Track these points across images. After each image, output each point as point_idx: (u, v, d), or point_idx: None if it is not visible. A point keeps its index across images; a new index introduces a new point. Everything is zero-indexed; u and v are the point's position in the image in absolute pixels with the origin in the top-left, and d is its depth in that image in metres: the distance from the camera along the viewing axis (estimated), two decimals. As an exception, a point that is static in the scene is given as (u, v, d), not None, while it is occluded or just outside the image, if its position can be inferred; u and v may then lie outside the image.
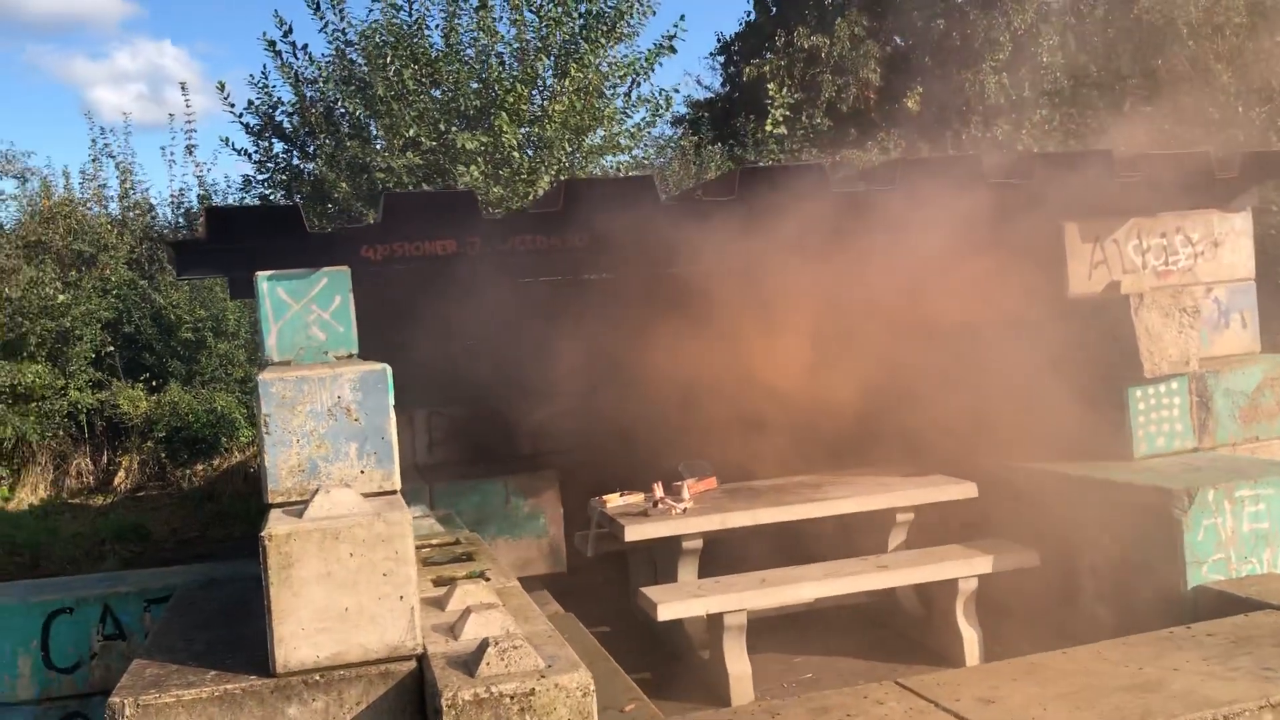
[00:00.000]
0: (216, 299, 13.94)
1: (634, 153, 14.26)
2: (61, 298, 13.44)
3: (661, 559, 6.56)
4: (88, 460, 13.74)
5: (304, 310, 5.24)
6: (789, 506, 6.29)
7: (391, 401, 4.10)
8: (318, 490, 3.80)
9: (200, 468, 13.49)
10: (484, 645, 3.43)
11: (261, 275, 5.20)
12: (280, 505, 3.89)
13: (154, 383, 14.31)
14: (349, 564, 3.58)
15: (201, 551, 10.30)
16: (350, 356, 5.12)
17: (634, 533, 6.10)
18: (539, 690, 3.27)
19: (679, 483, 6.86)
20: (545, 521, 8.11)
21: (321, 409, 3.99)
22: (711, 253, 6.73)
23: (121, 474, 13.67)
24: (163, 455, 13.63)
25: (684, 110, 19.77)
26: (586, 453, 8.84)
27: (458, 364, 8.46)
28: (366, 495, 3.93)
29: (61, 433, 13.56)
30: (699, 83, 21.49)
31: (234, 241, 5.87)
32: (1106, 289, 6.73)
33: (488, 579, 4.64)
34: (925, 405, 7.25)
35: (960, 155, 6.46)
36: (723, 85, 20.57)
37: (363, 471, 4.01)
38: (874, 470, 7.16)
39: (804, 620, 6.71)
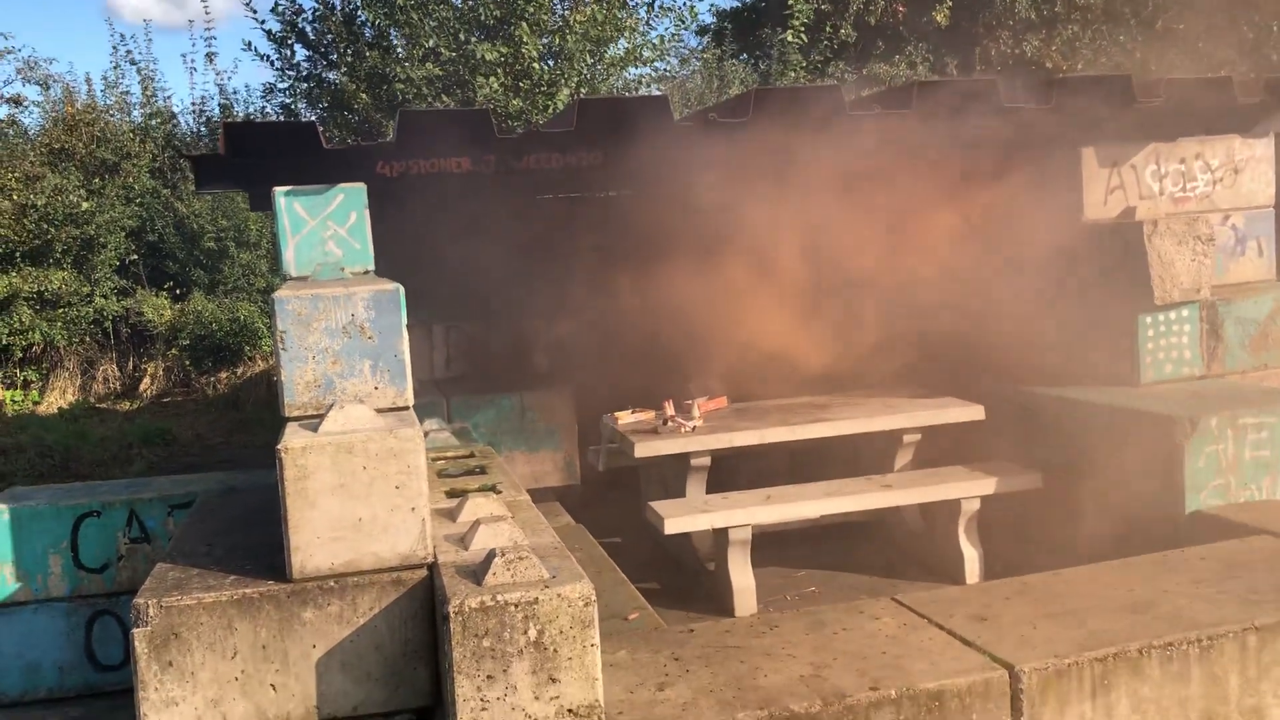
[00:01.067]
0: (239, 209, 14.04)
1: (657, 65, 14.11)
2: (86, 205, 13.56)
3: (671, 475, 6.71)
4: (114, 366, 14.01)
5: (320, 226, 5.31)
6: (795, 426, 6.40)
7: (404, 320, 4.20)
8: (332, 406, 3.93)
9: (224, 375, 13.74)
10: (491, 555, 3.57)
11: (279, 191, 5.25)
12: (297, 419, 4.01)
13: (178, 291, 14.50)
14: (362, 476, 3.72)
15: (225, 457, 10.55)
16: (366, 273, 5.21)
17: (643, 449, 6.23)
18: (542, 599, 3.42)
19: (689, 401, 6.98)
20: (560, 436, 8.26)
21: (336, 327, 4.09)
22: (726, 175, 6.76)
23: (147, 380, 13.95)
24: (187, 363, 13.87)
25: (710, 19, 19.45)
26: (601, 370, 8.93)
27: (476, 281, 8.55)
28: (380, 411, 4.05)
29: (88, 339, 13.81)
30: (725, -9, 21.10)
31: (252, 157, 5.94)
32: (1121, 215, 6.72)
33: (499, 492, 4.79)
34: (935, 329, 7.32)
35: (977, 79, 6.40)
36: (749, -6, 20.20)
37: (376, 388, 4.12)
38: (882, 392, 7.24)
39: (808, 535, 6.86)
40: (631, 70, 13.72)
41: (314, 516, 3.70)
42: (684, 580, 6.52)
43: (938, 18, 16.12)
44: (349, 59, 12.82)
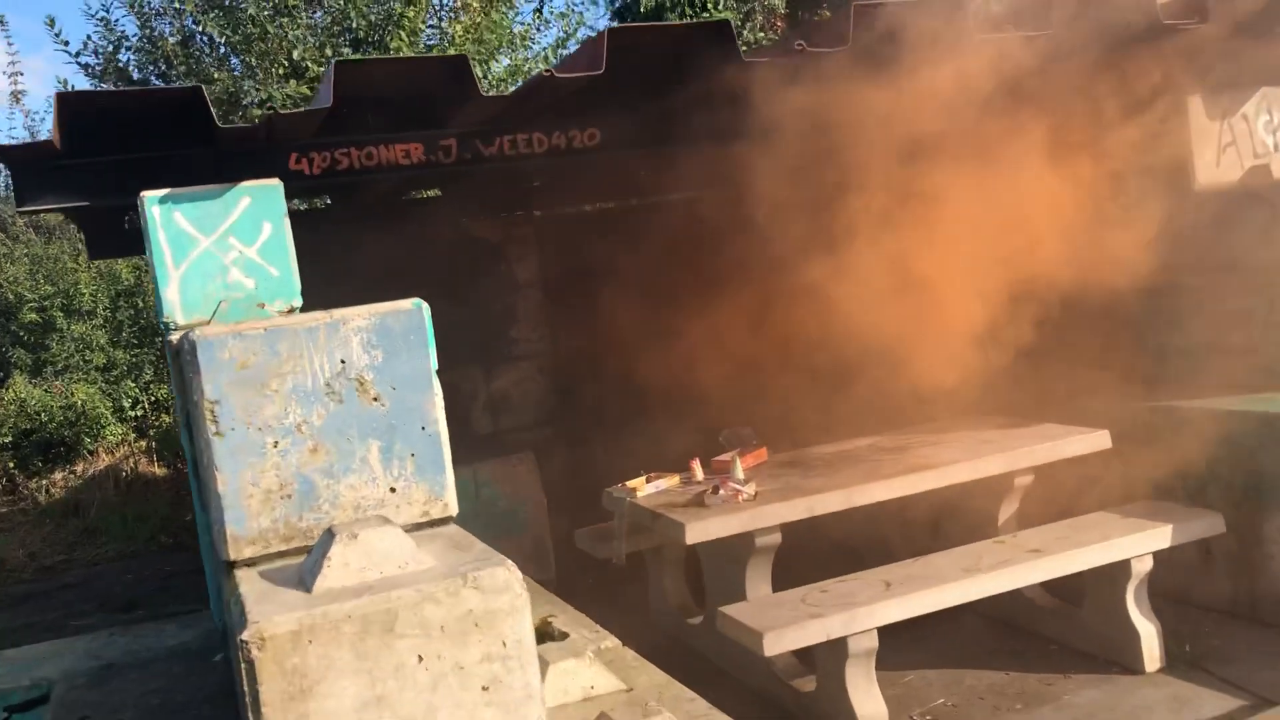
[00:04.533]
0: (66, 270, 11.62)
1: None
2: None
3: (716, 561, 4.97)
4: (-88, 476, 11.35)
5: (218, 246, 3.52)
6: (891, 480, 4.74)
7: (433, 365, 2.38)
8: (329, 534, 2.06)
9: (59, 476, 11.24)
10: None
11: (150, 197, 3.48)
12: (254, 563, 2.13)
13: (-7, 376, 11.94)
14: (418, 674, 1.87)
15: (71, 583, 8.25)
16: (293, 311, 3.38)
17: (698, 531, 4.46)
18: None
19: (724, 457, 5.27)
20: (525, 516, 6.43)
21: (314, 384, 2.25)
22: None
23: (-43, 490, 11.33)
24: (10, 464, 11.32)
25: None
26: (564, 422, 7.21)
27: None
28: (411, 529, 2.21)
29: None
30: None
31: (102, 149, 4.00)
32: (1248, 175, 5.36)
33: (566, 636, 2.95)
34: (1005, 335, 5.79)
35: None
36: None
37: (394, 489, 2.28)
38: (956, 424, 5.67)
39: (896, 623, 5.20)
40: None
41: (326, 769, 1.82)
42: (763, 709, 4.73)
43: None
44: (189, 85, 10.71)
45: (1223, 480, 4.90)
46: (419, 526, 2.27)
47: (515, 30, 11.54)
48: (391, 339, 2.30)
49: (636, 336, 6.52)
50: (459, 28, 10.97)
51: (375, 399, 2.27)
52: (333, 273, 6.19)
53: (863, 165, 4.65)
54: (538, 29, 11.92)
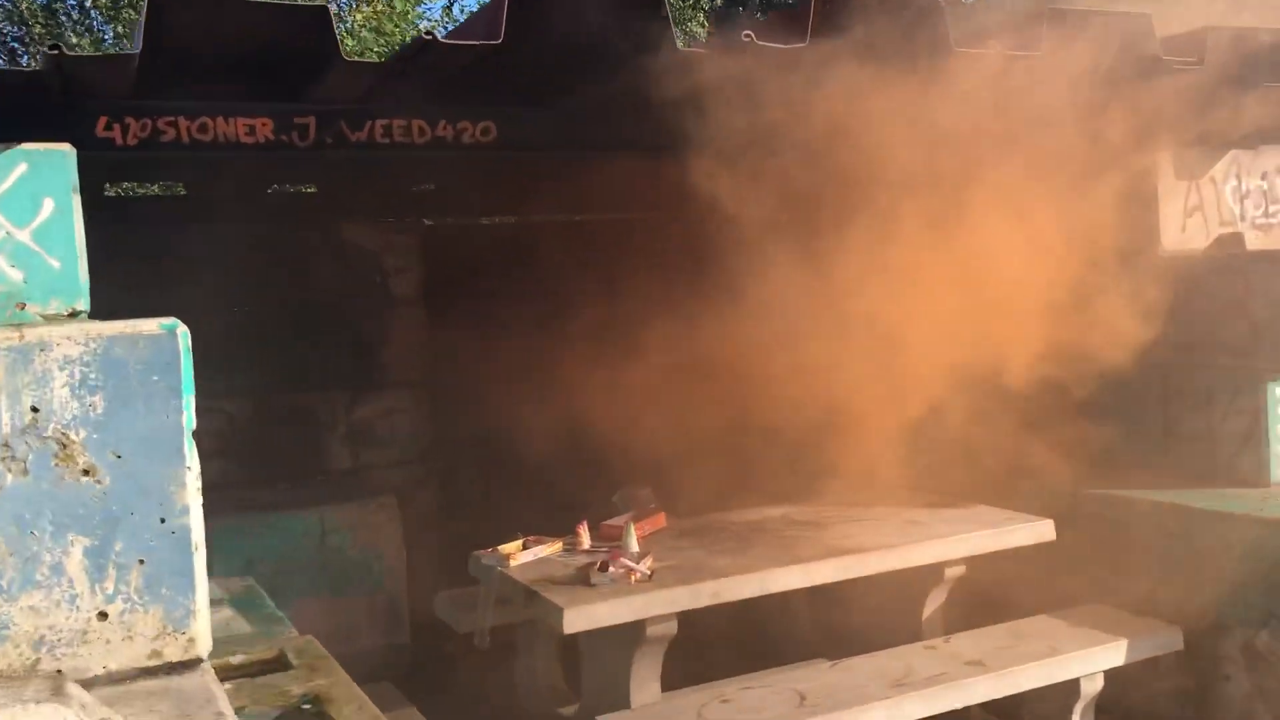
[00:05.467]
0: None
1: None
2: None
3: (597, 646, 4.17)
4: None
5: None
6: (809, 565, 4.02)
7: (190, 422, 1.55)
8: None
9: None
10: None
11: None
12: None
13: None
14: None
15: None
16: (75, 314, 2.52)
17: (579, 618, 3.68)
18: None
19: (616, 522, 4.50)
20: (380, 570, 5.54)
21: (-19, 442, 1.40)
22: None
23: None
24: None
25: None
26: (437, 463, 6.36)
27: (242, 333, 5.82)
28: (121, 680, 1.37)
29: None
30: None
31: None
32: (1216, 244, 4.84)
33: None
34: (938, 405, 5.15)
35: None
36: None
37: (104, 615, 1.45)
38: (876, 498, 4.99)
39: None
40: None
41: None
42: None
43: None
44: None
45: (1178, 585, 4.31)
46: (144, 674, 1.44)
47: (421, 26, 10.74)
48: (123, 379, 1.47)
49: (531, 372, 5.75)
50: (359, 16, 10.14)
51: (86, 472, 1.44)
52: (151, 275, 5.29)
53: (808, 196, 3.97)
54: (446, 28, 11.13)
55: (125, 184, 7.05)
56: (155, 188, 7.51)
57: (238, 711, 2.71)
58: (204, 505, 4.06)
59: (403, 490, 5.96)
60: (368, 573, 5.47)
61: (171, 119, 3.39)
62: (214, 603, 3.54)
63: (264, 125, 3.49)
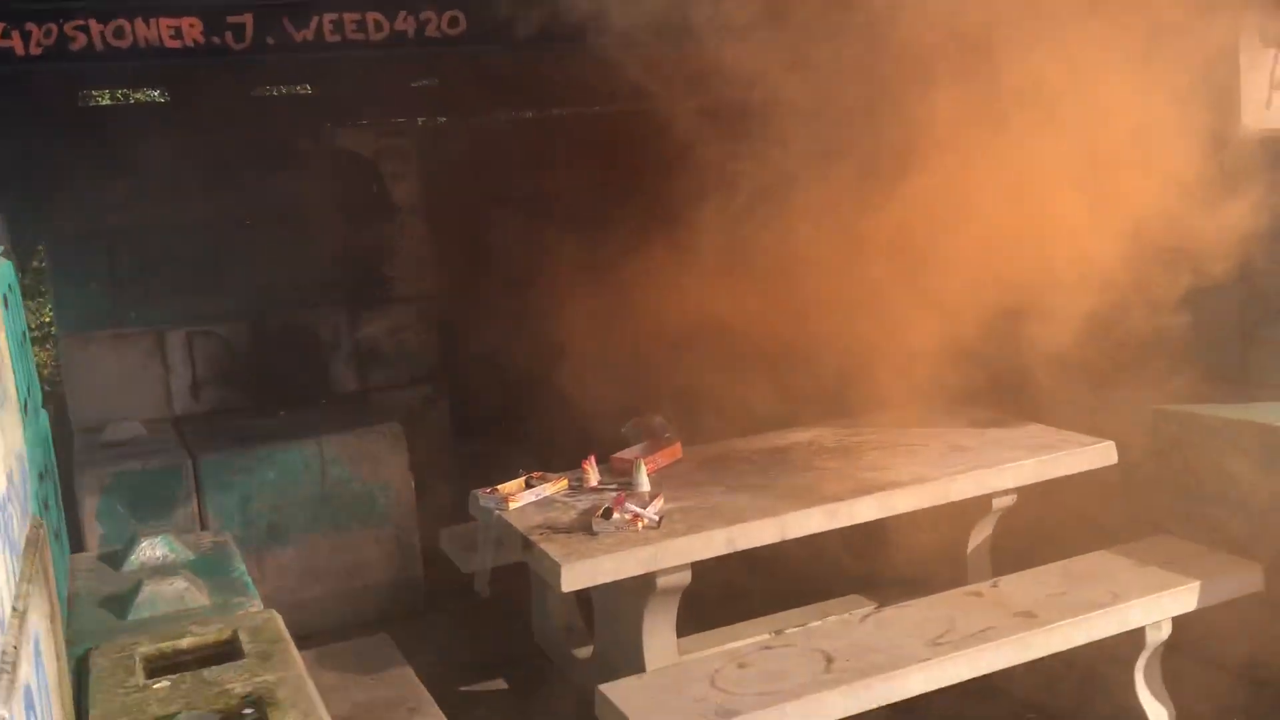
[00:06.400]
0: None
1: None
2: None
3: (608, 594, 3.81)
4: None
5: None
6: (833, 507, 3.59)
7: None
8: None
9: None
10: None
11: None
12: None
13: None
14: None
15: None
16: None
17: (578, 574, 3.30)
18: None
19: (625, 455, 4.10)
20: (387, 502, 5.21)
21: None
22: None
23: None
24: None
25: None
26: (450, 384, 6.00)
27: (232, 249, 5.45)
28: None
29: None
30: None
31: None
32: (1307, 123, 4.21)
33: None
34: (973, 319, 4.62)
35: None
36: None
37: None
38: (909, 416, 4.53)
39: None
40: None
41: None
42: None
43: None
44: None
45: (1256, 515, 3.83)
46: None
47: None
48: None
49: (543, 281, 5.32)
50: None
51: None
52: (129, 190, 4.91)
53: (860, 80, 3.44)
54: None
55: (98, 91, 6.59)
56: (139, 95, 7.05)
57: (170, 717, 2.38)
58: (197, 434, 3.66)
59: (413, 410, 5.63)
60: (372, 505, 5.14)
61: (81, 22, 2.93)
62: (170, 570, 3.21)
63: (191, 26, 3.01)
